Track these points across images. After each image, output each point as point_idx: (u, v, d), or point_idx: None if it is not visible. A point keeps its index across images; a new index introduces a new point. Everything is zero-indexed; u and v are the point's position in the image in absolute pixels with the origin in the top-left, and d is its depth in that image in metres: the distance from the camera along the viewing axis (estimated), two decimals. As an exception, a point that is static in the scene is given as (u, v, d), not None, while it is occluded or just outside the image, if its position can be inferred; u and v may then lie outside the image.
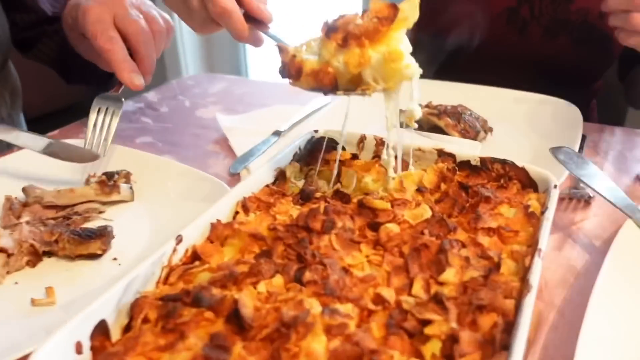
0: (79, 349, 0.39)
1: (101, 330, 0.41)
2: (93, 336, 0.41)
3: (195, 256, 0.51)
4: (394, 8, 0.55)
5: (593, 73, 1.12)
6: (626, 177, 0.83)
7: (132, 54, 0.82)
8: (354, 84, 0.58)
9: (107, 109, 0.82)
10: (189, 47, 2.53)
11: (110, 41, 0.80)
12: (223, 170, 0.85)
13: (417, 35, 1.19)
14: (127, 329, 0.43)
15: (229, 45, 2.60)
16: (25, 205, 0.71)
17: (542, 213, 0.55)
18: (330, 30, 0.56)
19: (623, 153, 0.90)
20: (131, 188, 0.76)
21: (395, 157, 0.62)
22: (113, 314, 0.43)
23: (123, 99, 0.84)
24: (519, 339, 0.37)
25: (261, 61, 2.65)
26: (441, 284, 0.46)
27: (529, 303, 0.41)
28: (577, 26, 1.07)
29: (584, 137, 0.91)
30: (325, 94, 0.60)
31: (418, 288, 0.46)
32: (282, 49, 0.59)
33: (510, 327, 0.40)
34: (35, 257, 0.63)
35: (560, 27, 1.08)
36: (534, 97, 1.00)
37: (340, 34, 0.56)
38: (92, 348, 0.40)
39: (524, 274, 0.47)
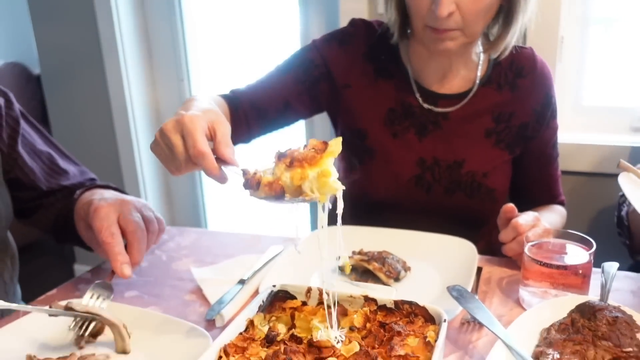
0: None
1: None
2: None
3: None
4: (325, 143, 0.79)
5: (483, 217, 1.43)
6: (509, 300, 1.09)
7: (127, 245, 1.04)
8: (298, 194, 0.78)
9: (99, 295, 1.02)
10: (151, 199, 2.81)
11: (112, 236, 1.01)
12: (200, 317, 1.06)
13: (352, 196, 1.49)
14: None
15: (190, 197, 2.93)
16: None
17: (436, 341, 0.79)
18: (280, 156, 0.80)
19: (509, 281, 1.17)
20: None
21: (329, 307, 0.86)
22: None
23: (113, 289, 1.05)
24: None
25: (217, 211, 3.07)
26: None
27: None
28: (468, 185, 1.40)
29: (480, 269, 1.18)
30: (277, 200, 0.80)
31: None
32: (245, 171, 0.83)
33: None
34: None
35: (455, 186, 1.41)
36: (441, 238, 1.28)
37: (288, 158, 0.79)
38: None
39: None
